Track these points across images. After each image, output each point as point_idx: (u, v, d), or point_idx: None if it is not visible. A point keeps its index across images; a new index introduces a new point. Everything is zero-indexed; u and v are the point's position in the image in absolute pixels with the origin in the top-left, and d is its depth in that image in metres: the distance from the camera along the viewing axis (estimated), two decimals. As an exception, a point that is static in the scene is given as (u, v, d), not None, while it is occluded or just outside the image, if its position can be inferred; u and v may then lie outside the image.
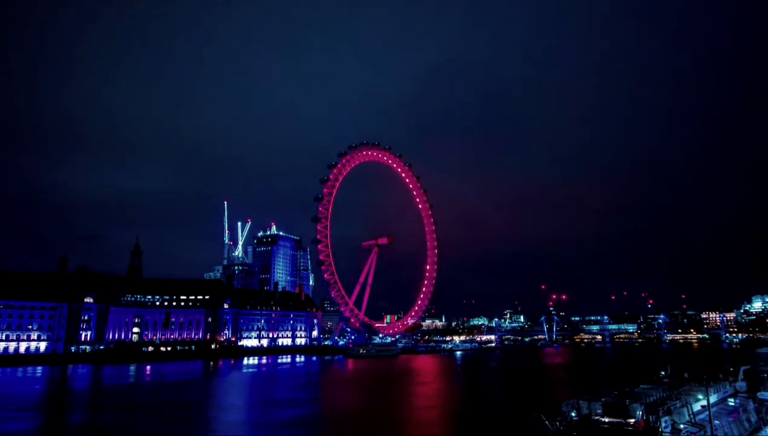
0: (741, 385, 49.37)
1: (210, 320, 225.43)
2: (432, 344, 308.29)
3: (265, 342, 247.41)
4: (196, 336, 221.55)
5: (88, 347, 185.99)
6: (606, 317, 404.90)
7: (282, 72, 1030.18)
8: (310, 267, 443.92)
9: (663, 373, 49.91)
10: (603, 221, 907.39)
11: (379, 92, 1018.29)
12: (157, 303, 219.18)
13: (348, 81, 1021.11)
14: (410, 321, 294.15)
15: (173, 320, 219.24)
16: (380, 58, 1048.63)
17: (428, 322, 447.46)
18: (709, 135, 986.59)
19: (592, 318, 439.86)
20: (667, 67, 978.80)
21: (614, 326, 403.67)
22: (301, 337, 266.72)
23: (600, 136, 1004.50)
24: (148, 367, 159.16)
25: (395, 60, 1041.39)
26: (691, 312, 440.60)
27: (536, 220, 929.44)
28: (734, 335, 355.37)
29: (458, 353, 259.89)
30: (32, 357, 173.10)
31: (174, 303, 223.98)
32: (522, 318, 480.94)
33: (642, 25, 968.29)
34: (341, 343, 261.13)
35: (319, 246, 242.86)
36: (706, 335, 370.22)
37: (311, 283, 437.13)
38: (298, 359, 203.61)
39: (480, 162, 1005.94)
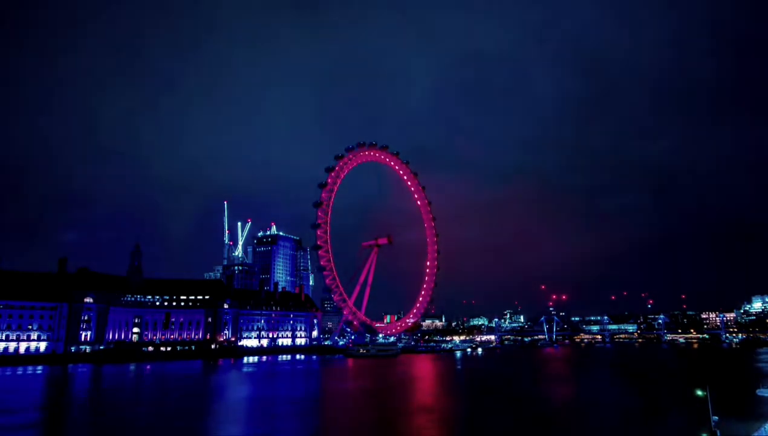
0: None
1: (210, 320, 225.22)
2: (432, 344, 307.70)
3: (265, 342, 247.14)
4: (196, 336, 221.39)
5: (88, 347, 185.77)
6: (606, 317, 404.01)
7: (282, 72, 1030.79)
8: (310, 267, 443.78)
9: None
10: (603, 220, 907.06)
11: (377, 92, 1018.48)
12: (157, 303, 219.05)
13: (347, 81, 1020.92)
14: (410, 321, 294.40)
15: (173, 320, 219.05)
16: (380, 58, 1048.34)
17: (428, 322, 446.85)
18: (710, 135, 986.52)
19: (592, 318, 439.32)
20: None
21: (614, 326, 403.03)
22: (301, 337, 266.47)
23: (603, 140, 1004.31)
24: (148, 366, 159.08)
25: (396, 60, 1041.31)
26: (691, 312, 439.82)
27: (537, 219, 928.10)
28: (734, 335, 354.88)
29: (458, 352, 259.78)
30: (32, 357, 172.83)
31: (174, 303, 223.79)
32: (522, 318, 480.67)
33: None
34: (341, 343, 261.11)
35: (320, 252, 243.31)
36: (706, 335, 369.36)
37: (311, 283, 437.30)
38: (298, 358, 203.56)
39: (480, 162, 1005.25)
